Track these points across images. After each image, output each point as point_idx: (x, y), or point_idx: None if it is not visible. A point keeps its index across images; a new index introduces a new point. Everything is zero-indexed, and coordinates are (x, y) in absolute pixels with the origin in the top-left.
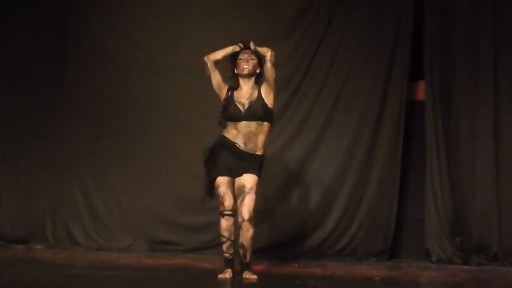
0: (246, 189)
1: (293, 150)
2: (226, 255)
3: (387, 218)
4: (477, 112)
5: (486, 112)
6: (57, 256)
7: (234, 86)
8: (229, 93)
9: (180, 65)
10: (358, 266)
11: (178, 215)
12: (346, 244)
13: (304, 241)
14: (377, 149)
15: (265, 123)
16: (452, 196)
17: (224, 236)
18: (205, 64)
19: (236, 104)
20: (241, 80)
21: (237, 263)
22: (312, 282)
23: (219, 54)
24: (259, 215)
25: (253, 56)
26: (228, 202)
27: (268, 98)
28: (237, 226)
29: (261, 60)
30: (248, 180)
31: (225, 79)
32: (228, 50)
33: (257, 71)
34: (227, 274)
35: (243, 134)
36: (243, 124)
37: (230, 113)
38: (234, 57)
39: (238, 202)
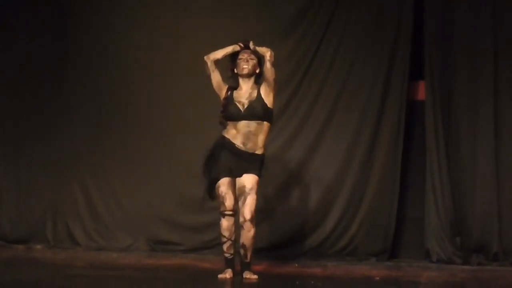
0: (247, 190)
1: (293, 150)
2: (227, 255)
3: (387, 218)
4: (477, 112)
5: (486, 112)
6: (57, 256)
7: (233, 86)
8: (229, 92)
9: (180, 65)
10: (358, 266)
11: (178, 215)
12: (346, 244)
13: (304, 241)
14: (377, 149)
15: (265, 122)
16: (452, 196)
17: (224, 236)
18: (205, 63)
19: (235, 104)
20: (240, 80)
21: (238, 263)
22: (312, 282)
23: (219, 54)
24: (259, 215)
25: (252, 56)
26: (229, 202)
27: (268, 98)
28: (237, 226)
29: (260, 60)
30: (248, 180)
31: (225, 78)
32: (228, 49)
33: (257, 71)
34: (228, 274)
35: (242, 134)
36: (242, 123)
37: (229, 112)
38: (233, 56)
39: (239, 202)
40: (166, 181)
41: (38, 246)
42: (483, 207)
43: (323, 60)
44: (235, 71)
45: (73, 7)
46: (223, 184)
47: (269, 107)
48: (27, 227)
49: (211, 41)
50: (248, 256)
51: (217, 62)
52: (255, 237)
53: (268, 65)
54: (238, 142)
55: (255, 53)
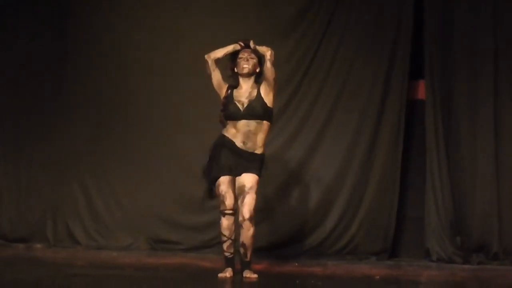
0: (246, 189)
1: (293, 150)
2: (227, 254)
3: (387, 218)
4: (477, 112)
5: (486, 112)
6: (57, 255)
7: (234, 85)
8: (229, 91)
9: (180, 65)
10: (358, 265)
11: (178, 214)
12: (346, 243)
13: (304, 240)
14: (377, 149)
15: (265, 122)
16: (452, 196)
17: (224, 235)
18: (205, 62)
19: (235, 103)
20: (240, 79)
21: (238, 262)
22: (312, 281)
23: (219, 53)
24: (259, 215)
25: (253, 55)
26: (229, 201)
27: (268, 97)
28: (237, 225)
29: (261, 59)
30: (248, 179)
31: (225, 77)
32: (229, 48)
33: (257, 70)
34: (228, 273)
35: (242, 133)
36: (242, 123)
37: (229, 112)
38: (234, 56)
39: (239, 201)
40: (166, 181)
41: (39, 245)
42: (483, 207)
43: (323, 60)
44: (235, 70)
45: (73, 7)
46: (223, 183)
47: (269, 107)
48: (27, 227)
49: (211, 41)
50: (248, 255)
51: (217, 61)
52: (255, 236)
53: (268, 64)
54: (238, 141)
55: (255, 52)
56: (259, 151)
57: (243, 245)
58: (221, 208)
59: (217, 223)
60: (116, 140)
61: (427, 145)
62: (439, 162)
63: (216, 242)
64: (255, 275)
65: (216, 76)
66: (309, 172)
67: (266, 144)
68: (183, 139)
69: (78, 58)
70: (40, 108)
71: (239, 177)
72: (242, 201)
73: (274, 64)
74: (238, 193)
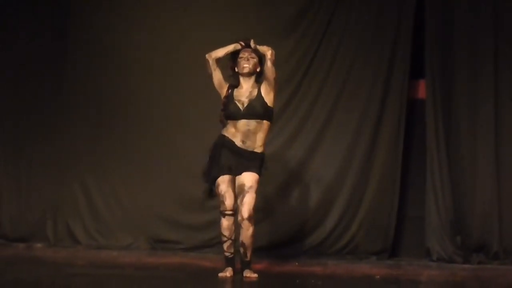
0: (246, 188)
1: (293, 150)
2: (227, 254)
3: (387, 217)
4: (477, 112)
5: (486, 111)
6: (57, 254)
7: (234, 84)
8: (230, 91)
9: (180, 65)
10: (359, 265)
11: (178, 214)
12: (347, 243)
13: (304, 240)
14: (377, 148)
15: (265, 121)
16: (453, 195)
17: (224, 236)
18: (206, 61)
19: (235, 103)
20: (241, 79)
21: (238, 262)
22: (312, 280)
23: (220, 52)
24: (259, 214)
25: (253, 55)
26: (228, 201)
27: (268, 97)
28: (237, 225)
29: (261, 58)
30: (248, 178)
31: (226, 77)
32: (230, 48)
33: (257, 69)
34: (228, 272)
35: (241, 133)
36: (242, 122)
37: (229, 111)
38: (234, 55)
39: (238, 200)
40: (166, 181)
41: (39, 245)
42: (483, 206)
43: (323, 60)
44: (236, 69)
45: (73, 7)
46: (223, 183)
47: (269, 106)
48: (27, 226)
49: (211, 41)
50: (248, 255)
51: (218, 61)
52: (254, 235)
53: (269, 64)
54: (237, 140)
55: (255, 51)
56: (258, 149)
57: (243, 244)
58: (221, 208)
59: (217, 223)
60: (116, 140)
61: (427, 144)
62: (440, 162)
63: (216, 241)
64: (255, 275)
65: (217, 75)
66: (309, 172)
67: (266, 144)
68: (183, 139)
69: (78, 58)
70: (40, 108)
71: (239, 176)
72: (242, 201)
73: (275, 63)
74: (238, 192)
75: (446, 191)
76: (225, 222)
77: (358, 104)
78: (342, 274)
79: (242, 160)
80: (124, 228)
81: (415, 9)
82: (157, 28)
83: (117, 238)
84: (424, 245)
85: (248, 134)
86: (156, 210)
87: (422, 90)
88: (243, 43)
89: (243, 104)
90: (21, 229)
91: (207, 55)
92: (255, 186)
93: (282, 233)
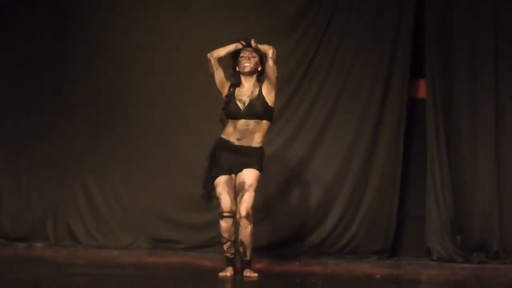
0: (246, 186)
1: (293, 150)
2: (227, 254)
3: (387, 217)
4: (478, 112)
5: (487, 111)
6: (58, 254)
7: (236, 83)
8: (231, 90)
9: (180, 65)
10: (359, 264)
11: (178, 213)
12: (347, 243)
13: (304, 239)
14: (377, 148)
15: (264, 121)
16: (453, 195)
17: (224, 237)
18: (208, 61)
19: (236, 102)
20: (242, 78)
21: (238, 261)
22: (312, 280)
23: (222, 51)
24: (260, 214)
25: (254, 54)
26: (226, 203)
27: (269, 96)
28: (237, 225)
29: (262, 57)
30: (248, 176)
31: (228, 76)
32: (231, 47)
33: (259, 68)
34: (228, 272)
35: (239, 132)
36: (241, 122)
37: (229, 110)
38: (235, 55)
39: (238, 198)
40: (166, 180)
41: (39, 244)
42: (483, 206)
43: (323, 60)
44: (237, 69)
45: (73, 7)
46: (219, 184)
47: (269, 106)
48: (27, 226)
49: (211, 41)
50: (248, 254)
51: (220, 60)
52: (254, 234)
53: (270, 63)
54: (233, 138)
55: (256, 51)
56: (256, 145)
57: (242, 243)
58: (219, 210)
59: (218, 223)
60: (116, 140)
61: (427, 144)
62: (440, 162)
63: (216, 241)
64: (256, 274)
65: (219, 74)
66: (309, 172)
67: (265, 142)
68: (183, 139)
69: (78, 58)
70: (40, 108)
71: (240, 173)
72: (241, 199)
73: (276, 62)
74: (238, 190)
75: (446, 190)
76: (224, 224)
77: (358, 104)
78: (342, 274)
79: (240, 157)
80: (124, 227)
81: (415, 9)
82: (157, 28)
83: (117, 237)
84: (425, 244)
85: (245, 134)
86: (156, 209)
87: (422, 89)
88: (244, 43)
89: (243, 104)
90: (21, 229)
91: (208, 54)
92: (255, 184)
93: (282, 233)
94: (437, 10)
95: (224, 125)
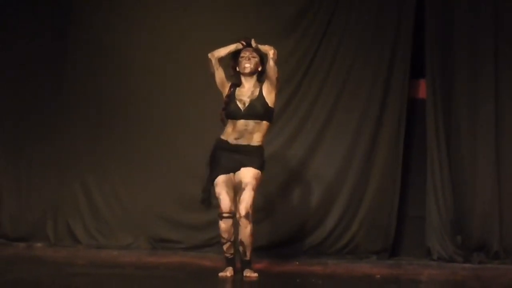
0: (244, 185)
1: (293, 150)
2: (227, 255)
3: (387, 217)
4: (478, 112)
5: (487, 111)
6: (58, 254)
7: (237, 83)
8: (232, 89)
9: (180, 65)
10: (359, 264)
11: (178, 213)
12: (347, 242)
13: (304, 239)
14: (377, 148)
15: (264, 122)
16: (453, 195)
17: (223, 238)
18: (209, 61)
19: (236, 102)
20: (243, 78)
21: (238, 261)
22: (312, 280)
23: (222, 51)
24: (260, 214)
25: (254, 54)
26: (225, 204)
27: (270, 96)
28: (237, 225)
29: (262, 58)
30: (246, 174)
31: (228, 76)
32: (231, 47)
33: (259, 69)
34: (228, 272)
35: (237, 132)
36: (241, 122)
37: (230, 110)
38: (235, 55)
39: (237, 198)
40: (167, 180)
41: (39, 244)
42: (483, 206)
43: (323, 60)
44: (237, 69)
45: (73, 7)
46: (218, 184)
47: (269, 106)
48: (28, 226)
49: (211, 41)
50: (247, 254)
51: (220, 60)
52: (254, 234)
53: (271, 63)
54: (231, 138)
55: (257, 51)
56: (255, 144)
57: (242, 243)
58: (219, 211)
59: (217, 223)
60: (116, 140)
61: (427, 144)
62: (440, 162)
63: (216, 241)
64: (256, 274)
65: (220, 74)
66: (310, 172)
67: (264, 142)
68: (183, 139)
69: (78, 58)
70: (40, 108)
71: (239, 172)
72: (240, 198)
73: (277, 63)
74: (237, 189)
75: (446, 190)
76: (223, 225)
77: (358, 104)
78: (343, 274)
79: (238, 156)
80: (124, 227)
81: (415, 9)
82: (157, 28)
83: (117, 237)
84: (425, 244)
85: (244, 133)
86: (156, 209)
87: (422, 89)
88: (244, 43)
89: (244, 104)
90: (21, 229)
91: (209, 55)
92: (253, 182)
93: (283, 233)
94: (437, 10)
95: (224, 125)
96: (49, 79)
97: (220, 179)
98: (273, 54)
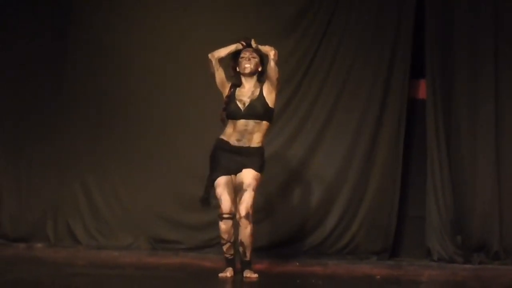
0: (245, 186)
1: (293, 150)
2: (227, 255)
3: (388, 217)
4: (478, 112)
5: (487, 111)
6: (58, 254)
7: (237, 84)
8: (232, 90)
9: (180, 65)
10: (359, 265)
11: (178, 214)
12: (347, 243)
13: (305, 239)
14: (377, 148)
15: (264, 122)
16: (453, 195)
17: (223, 239)
18: (209, 61)
19: (236, 102)
20: (243, 79)
21: (238, 262)
22: (313, 280)
23: (223, 52)
24: (260, 214)
25: (254, 55)
26: (225, 205)
27: (270, 97)
28: (237, 225)
29: (263, 58)
30: (247, 176)
31: (228, 76)
32: (232, 48)
33: (259, 69)
34: (228, 272)
35: (238, 132)
36: (241, 122)
37: (230, 110)
38: (235, 55)
39: (237, 199)
40: (167, 180)
41: (39, 245)
42: (483, 206)
43: (323, 60)
44: (237, 69)
45: (73, 7)
46: (219, 185)
47: (270, 107)
48: (28, 226)
49: (211, 41)
50: (248, 254)
51: (221, 60)
52: (254, 234)
53: (272, 64)
54: (232, 139)
55: (257, 51)
56: (256, 145)
57: (242, 243)
58: (219, 212)
59: (218, 223)
60: (116, 140)
61: (427, 144)
62: (440, 162)
63: (216, 242)
64: (256, 275)
65: (220, 75)
66: (310, 172)
67: (264, 142)
68: (183, 139)
69: (78, 58)
70: (40, 108)
71: (240, 173)
72: (240, 199)
73: (278, 63)
74: (237, 190)
75: (446, 191)
76: (223, 226)
77: (358, 104)
78: (343, 274)
79: (239, 157)
80: (124, 228)
81: (415, 9)
82: (157, 28)
83: (117, 238)
84: (425, 245)
85: (244, 134)
86: (157, 210)
87: (422, 90)
88: (244, 43)
89: (244, 104)
90: (21, 229)
91: (209, 55)
92: (253, 183)
93: (283, 233)
94: (437, 10)
95: (224, 124)
96: (49, 79)
97: (222, 181)
98: (274, 54)
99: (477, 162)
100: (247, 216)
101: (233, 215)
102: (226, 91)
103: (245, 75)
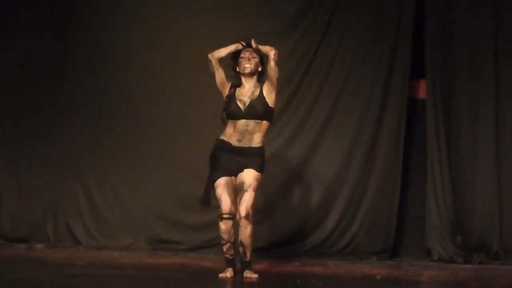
0: (245, 186)
1: (293, 150)
2: (227, 256)
3: (388, 217)
4: (478, 112)
5: (486, 111)
6: (58, 255)
7: (237, 84)
8: (232, 90)
9: (180, 65)
10: (359, 265)
11: (179, 214)
12: (347, 243)
13: (305, 240)
14: (377, 148)
15: (264, 122)
16: (453, 195)
17: (223, 239)
18: (209, 61)
19: (237, 102)
20: (243, 79)
21: (238, 262)
22: (313, 281)
23: (223, 52)
24: (260, 214)
25: (254, 55)
26: (225, 205)
27: (270, 97)
28: (237, 226)
29: (263, 58)
30: (247, 176)
31: (228, 76)
32: (232, 48)
33: (259, 69)
34: (228, 273)
35: (238, 132)
36: (241, 122)
37: (230, 110)
38: (235, 55)
39: (238, 199)
40: (167, 180)
41: (39, 245)
42: (483, 206)
43: (323, 60)
44: (237, 69)
45: (73, 7)
46: (219, 185)
47: (270, 107)
48: (27, 226)
49: (211, 41)
50: (248, 255)
51: (221, 60)
52: (254, 235)
53: (272, 64)
54: (233, 140)
55: (257, 51)
56: (256, 145)
57: (242, 243)
58: (219, 212)
59: (218, 223)
60: (116, 140)
61: (427, 144)
62: (440, 162)
63: (216, 242)
64: (256, 275)
65: (220, 75)
66: (310, 172)
67: (265, 143)
68: (183, 139)
69: (78, 58)
70: (40, 108)
71: (240, 173)
72: (240, 199)
73: (278, 63)
74: (238, 191)
75: (446, 190)
76: (223, 226)
77: (358, 104)
78: (343, 274)
79: (240, 158)
80: (124, 228)
81: (415, 9)
82: (157, 28)
83: (117, 238)
84: (425, 245)
85: (244, 134)
86: (157, 210)
87: (422, 90)
88: (244, 43)
89: (244, 104)
90: (21, 229)
91: (209, 55)
92: (254, 184)
93: (283, 233)
94: (437, 10)
95: (224, 125)
96: (49, 79)
97: (222, 181)
98: (274, 55)
99: (477, 162)
100: (247, 216)
101: (233, 216)
102: (226, 91)
103: (245, 75)
